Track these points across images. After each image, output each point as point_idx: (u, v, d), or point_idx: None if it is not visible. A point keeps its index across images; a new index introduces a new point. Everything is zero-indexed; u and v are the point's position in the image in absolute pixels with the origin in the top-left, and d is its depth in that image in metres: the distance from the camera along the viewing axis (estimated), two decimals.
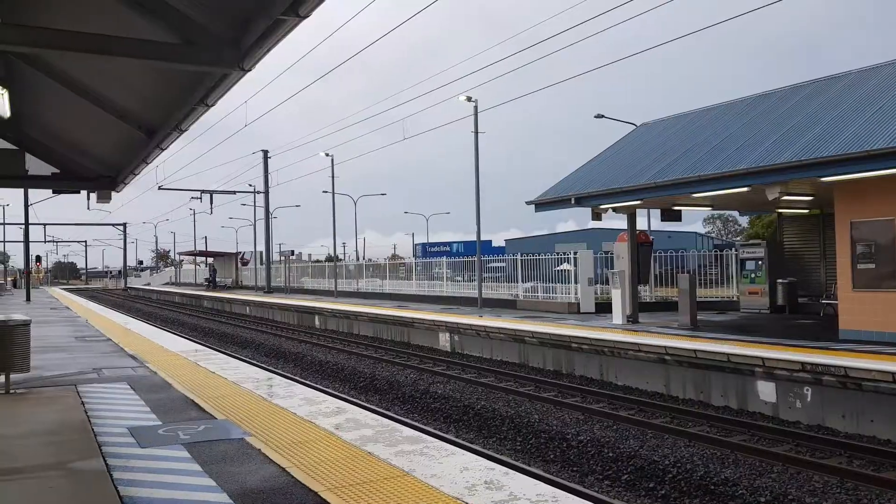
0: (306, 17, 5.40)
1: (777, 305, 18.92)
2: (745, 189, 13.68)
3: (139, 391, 8.25)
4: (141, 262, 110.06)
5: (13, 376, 8.17)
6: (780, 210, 20.02)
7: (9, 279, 66.91)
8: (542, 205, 18.54)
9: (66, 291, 57.79)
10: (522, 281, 24.84)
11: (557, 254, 23.94)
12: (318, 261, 65.16)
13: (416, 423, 10.47)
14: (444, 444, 5.84)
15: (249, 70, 6.44)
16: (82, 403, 7.45)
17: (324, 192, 41.52)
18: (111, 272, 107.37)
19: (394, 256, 67.74)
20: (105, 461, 5.21)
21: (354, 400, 12.32)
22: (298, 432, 6.17)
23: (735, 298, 20.97)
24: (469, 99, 24.20)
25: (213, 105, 7.54)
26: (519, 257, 25.17)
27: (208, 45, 6.14)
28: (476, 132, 24.83)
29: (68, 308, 28.41)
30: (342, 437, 5.94)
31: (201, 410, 7.16)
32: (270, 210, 44.50)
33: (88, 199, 12.72)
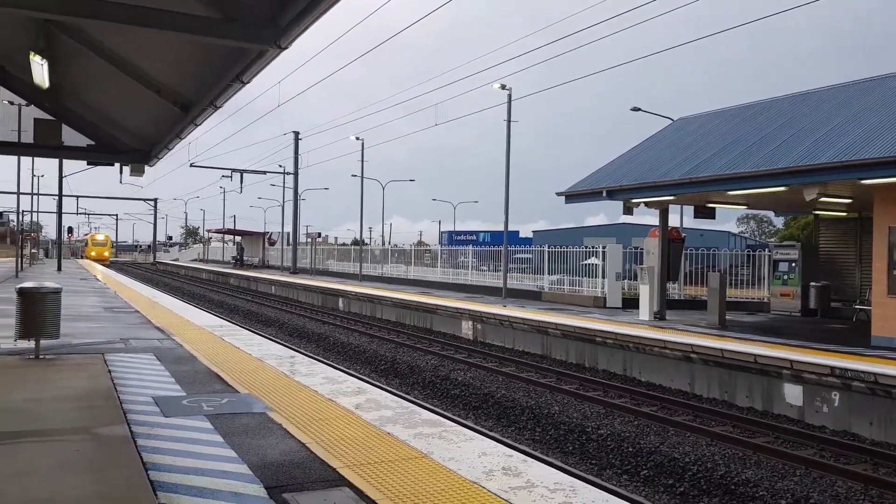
0: None
1: (809, 309, 18.56)
2: (782, 189, 13.41)
3: (165, 362, 8.37)
4: (170, 238, 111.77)
5: (43, 342, 8.36)
6: (817, 212, 19.61)
7: (41, 249, 69.79)
8: (572, 196, 18.37)
9: (97, 263, 58.94)
10: (549, 273, 24.70)
11: (586, 247, 23.73)
12: (344, 244, 65.54)
13: (435, 408, 10.49)
14: (463, 429, 5.83)
15: (286, 48, 6.43)
16: (109, 372, 7.58)
17: (353, 175, 41.77)
18: (141, 246, 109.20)
19: (420, 243, 67.85)
20: (130, 428, 5.30)
21: (375, 382, 12.39)
22: (319, 409, 6.21)
23: (766, 300, 20.61)
24: (503, 87, 24.03)
25: (248, 82, 7.56)
26: (546, 249, 25.01)
27: (246, 22, 6.15)
28: (509, 121, 24.67)
29: (98, 279, 28.97)
30: (362, 417, 5.96)
31: (225, 384, 7.25)
32: (299, 192, 44.82)
33: (121, 172, 12.91)
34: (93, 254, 71.96)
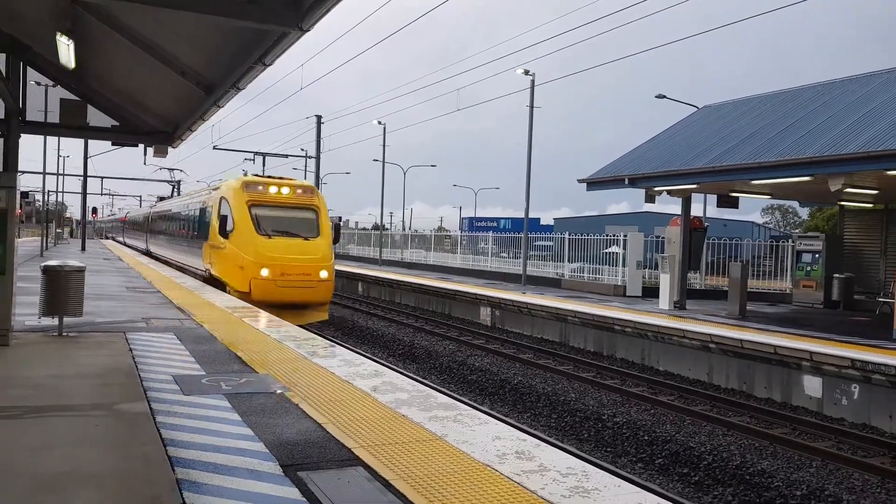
0: None
1: (831, 300, 18.31)
2: (807, 178, 13.21)
3: (185, 342, 8.49)
4: None
5: (66, 320, 8.51)
6: (843, 203, 19.29)
7: (65, 229, 66.45)
8: (594, 183, 18.24)
9: (119, 244, 59.72)
10: (569, 261, 24.61)
11: (607, 235, 23.57)
12: (364, 229, 65.82)
13: (451, 392, 10.54)
14: (478, 413, 5.84)
15: (308, 31, 6.46)
16: (130, 350, 7.71)
17: (374, 160, 41.76)
18: None
19: (440, 229, 67.91)
20: (149, 405, 5.39)
21: (392, 365, 12.48)
22: (336, 391, 6.27)
23: (788, 291, 20.38)
24: (526, 72, 23.87)
25: (270, 64, 7.61)
26: (567, 236, 24.90)
27: (268, 3, 6.18)
28: (531, 106, 24.50)
29: (120, 259, 29.39)
30: (378, 399, 6.01)
31: (243, 364, 7.33)
32: (321, 176, 44.96)
33: (145, 153, 13.14)
34: (280, 282, 14.37)
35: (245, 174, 15.75)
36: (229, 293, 14.65)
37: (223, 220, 14.99)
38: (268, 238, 14.55)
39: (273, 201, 15.31)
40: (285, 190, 15.53)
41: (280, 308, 13.27)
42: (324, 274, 14.86)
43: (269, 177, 16.26)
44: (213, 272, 16.42)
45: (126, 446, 4.45)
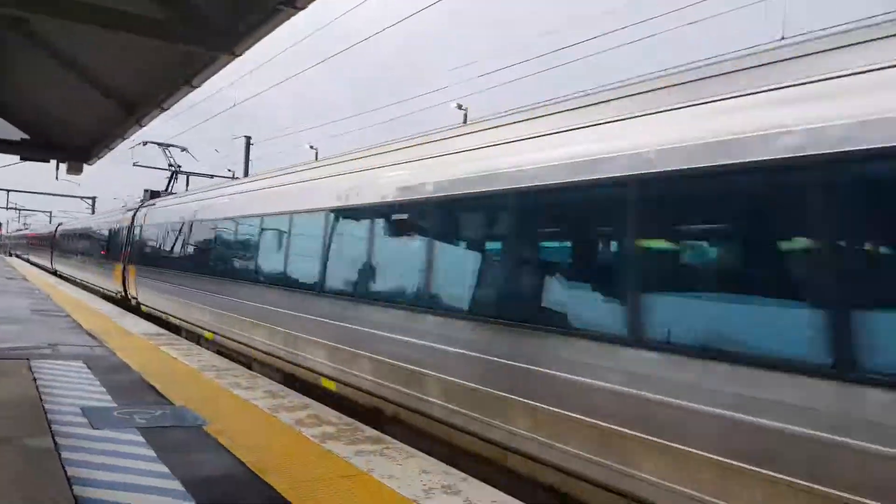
0: (302, 8, 5.39)
1: None
2: None
3: (95, 371, 8.04)
4: None
5: None
6: None
7: None
8: None
9: (27, 263, 56.29)
10: None
11: None
12: None
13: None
14: (404, 446, 5.79)
15: (240, 55, 6.39)
16: (34, 379, 7.23)
17: None
18: None
19: None
20: (55, 440, 5.06)
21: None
22: (259, 423, 6.07)
23: None
24: (460, 107, 24.31)
25: (198, 86, 7.45)
26: None
27: (201, 26, 6.07)
28: None
29: (26, 279, 27.69)
30: (303, 432, 5.86)
31: (159, 395, 7.01)
32: None
33: (57, 169, 12.46)
34: None
35: None
36: None
37: None
38: None
39: None
40: None
41: None
42: None
43: None
44: None
45: (26, 486, 4.16)
